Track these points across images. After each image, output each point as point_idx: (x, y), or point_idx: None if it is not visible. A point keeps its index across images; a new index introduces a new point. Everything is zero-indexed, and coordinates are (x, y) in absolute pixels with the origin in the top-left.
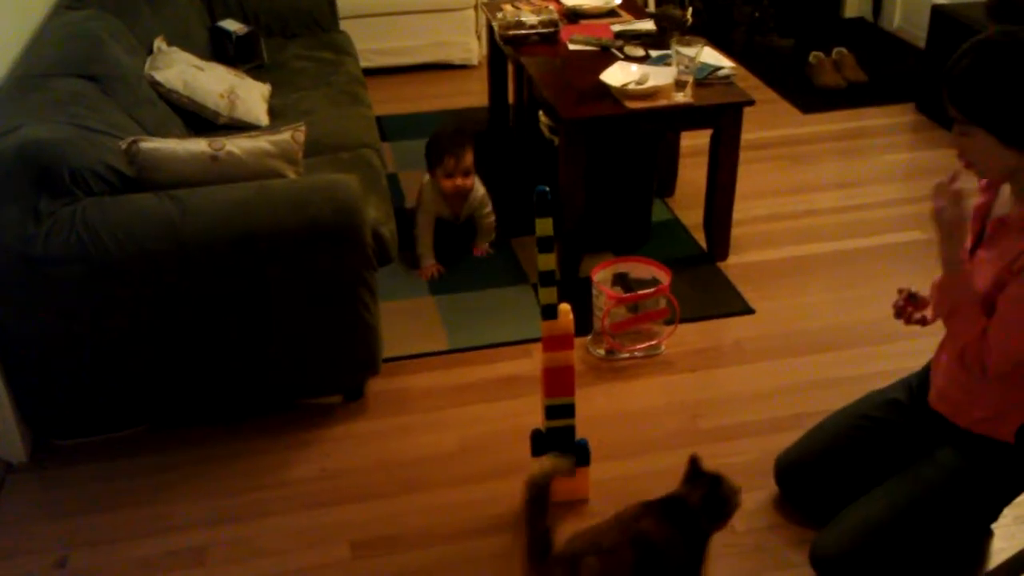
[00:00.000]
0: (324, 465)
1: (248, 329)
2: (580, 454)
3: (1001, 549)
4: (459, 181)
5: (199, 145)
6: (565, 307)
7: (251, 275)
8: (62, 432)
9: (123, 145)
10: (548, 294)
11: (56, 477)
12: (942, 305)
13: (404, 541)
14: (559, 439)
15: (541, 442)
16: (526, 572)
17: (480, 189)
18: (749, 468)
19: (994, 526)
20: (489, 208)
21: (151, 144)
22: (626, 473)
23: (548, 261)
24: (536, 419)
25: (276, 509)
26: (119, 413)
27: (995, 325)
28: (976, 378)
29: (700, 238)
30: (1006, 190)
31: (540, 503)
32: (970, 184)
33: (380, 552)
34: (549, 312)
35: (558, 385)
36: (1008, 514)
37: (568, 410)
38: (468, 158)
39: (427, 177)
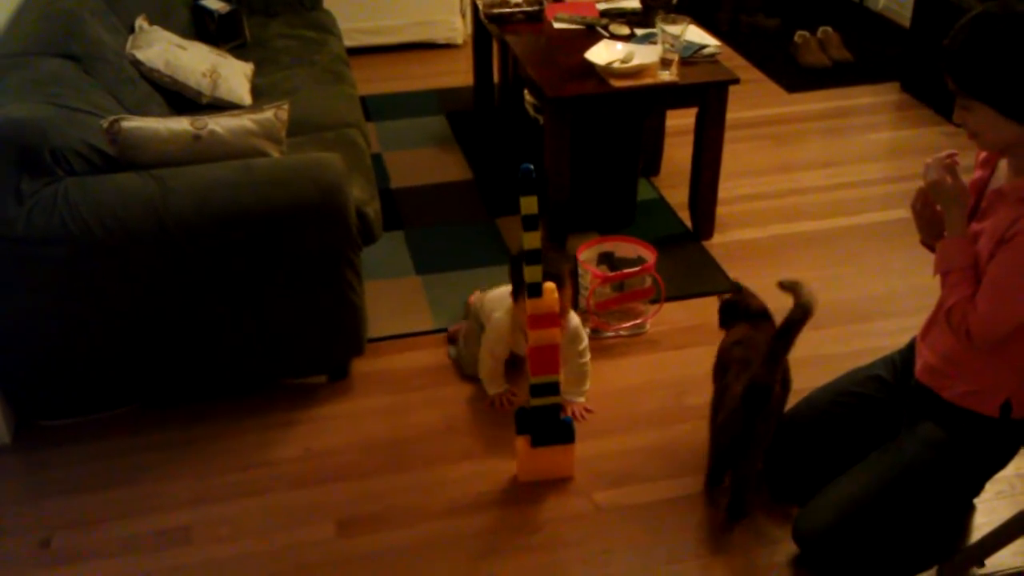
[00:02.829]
0: (309, 445)
1: (232, 309)
2: (565, 432)
3: (983, 524)
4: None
5: (181, 124)
6: (550, 286)
7: (235, 254)
8: (46, 413)
9: (104, 124)
10: (533, 272)
11: (40, 458)
12: (940, 264)
13: (390, 519)
14: (545, 417)
15: (526, 420)
16: (759, 371)
17: (574, 321)
18: None
19: (976, 501)
20: (584, 344)
21: (133, 123)
22: (611, 450)
23: (533, 239)
24: (521, 397)
25: (262, 488)
26: (103, 394)
27: (983, 290)
28: (961, 341)
29: (685, 217)
30: (1003, 164)
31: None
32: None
33: (366, 530)
34: (534, 290)
35: (543, 363)
36: (990, 489)
37: (553, 388)
38: (568, 294)
39: (508, 301)
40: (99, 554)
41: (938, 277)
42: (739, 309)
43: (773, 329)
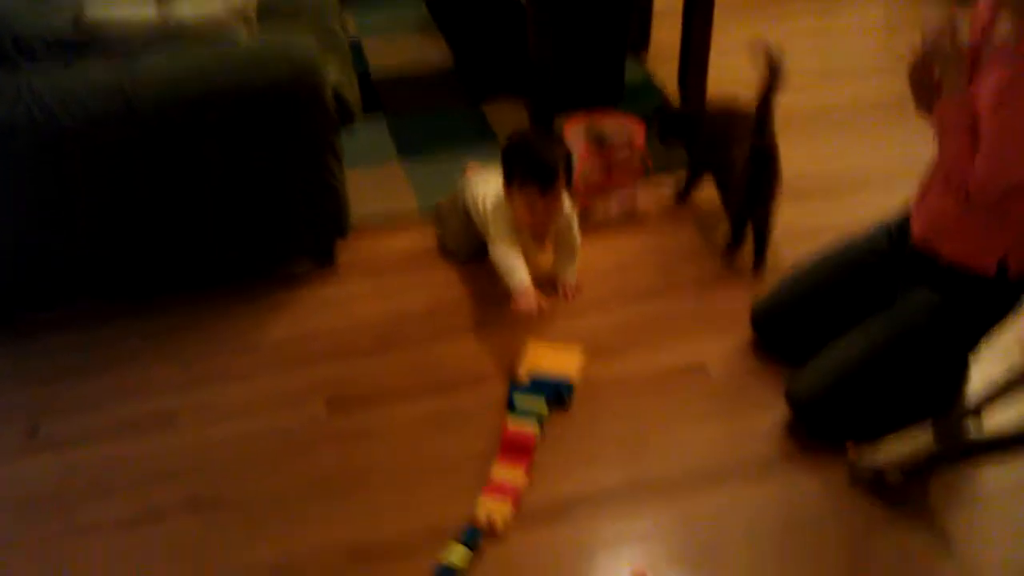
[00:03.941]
0: (296, 327)
1: (209, 195)
2: (562, 396)
3: (977, 380)
4: (540, 213)
5: (148, 11)
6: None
7: (209, 140)
8: (25, 305)
9: (69, 13)
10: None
11: (23, 349)
12: (938, 125)
13: (380, 397)
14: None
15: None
16: (755, 139)
17: (567, 208)
18: (726, 314)
19: (972, 363)
20: (575, 227)
21: (98, 11)
22: (603, 324)
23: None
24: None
25: (249, 371)
26: (82, 285)
27: (981, 149)
28: (959, 202)
29: (676, 96)
30: (1001, 27)
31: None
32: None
33: (356, 408)
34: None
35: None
36: (987, 353)
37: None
38: (561, 183)
39: (500, 190)
40: (86, 440)
41: (936, 141)
42: (674, 117)
43: (730, 115)
